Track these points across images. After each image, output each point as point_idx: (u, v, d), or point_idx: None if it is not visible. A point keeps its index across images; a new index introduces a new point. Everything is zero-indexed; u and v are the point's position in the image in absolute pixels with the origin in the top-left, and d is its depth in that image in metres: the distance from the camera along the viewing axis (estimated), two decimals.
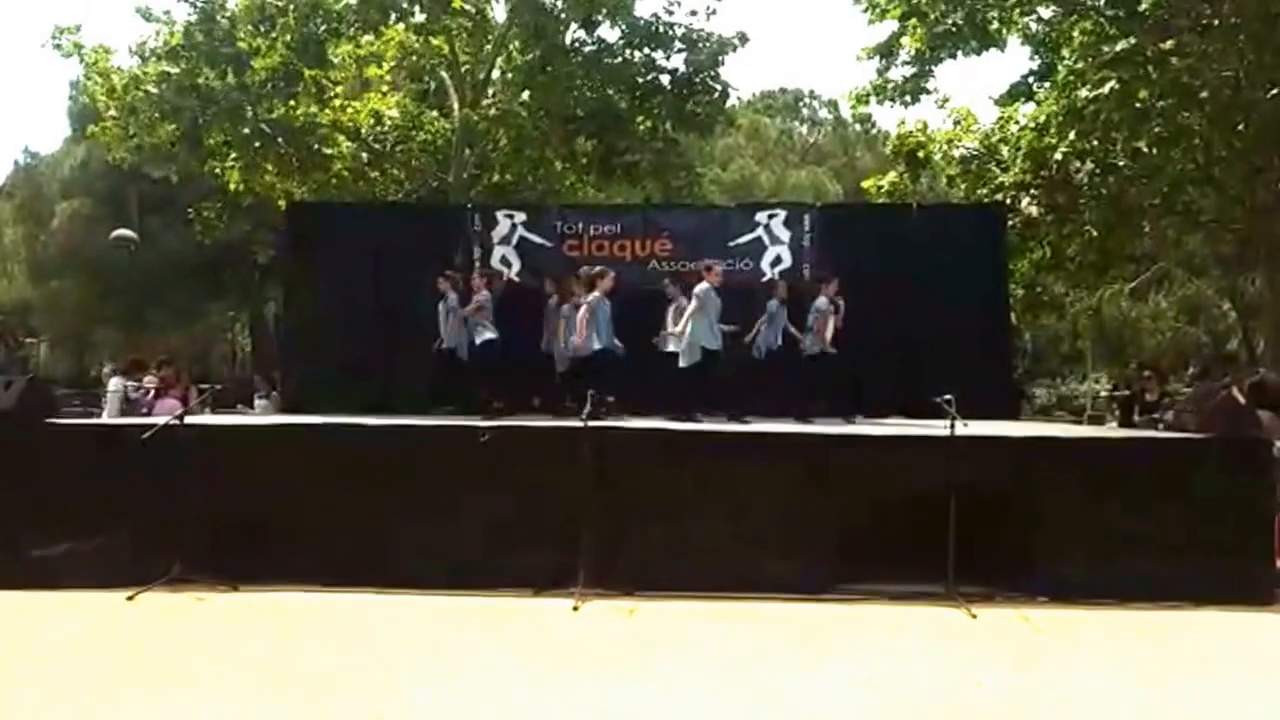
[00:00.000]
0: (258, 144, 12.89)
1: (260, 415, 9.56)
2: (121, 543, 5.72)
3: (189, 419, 6.11)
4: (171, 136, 12.81)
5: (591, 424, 5.83)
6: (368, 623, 5.04)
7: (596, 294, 7.41)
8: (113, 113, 12.75)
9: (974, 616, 5.16)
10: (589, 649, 4.64)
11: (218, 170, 13.69)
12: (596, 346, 7.36)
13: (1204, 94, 10.19)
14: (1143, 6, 9.14)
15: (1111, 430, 9.66)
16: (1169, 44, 9.71)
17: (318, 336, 9.02)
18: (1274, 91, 9.66)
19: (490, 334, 7.85)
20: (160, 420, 6.22)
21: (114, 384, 10.05)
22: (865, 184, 14.52)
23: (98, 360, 22.78)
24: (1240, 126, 10.46)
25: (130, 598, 5.38)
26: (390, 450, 5.91)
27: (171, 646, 4.62)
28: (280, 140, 13.01)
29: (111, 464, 5.91)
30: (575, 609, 5.23)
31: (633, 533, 5.58)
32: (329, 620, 5.08)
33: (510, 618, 5.14)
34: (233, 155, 13.30)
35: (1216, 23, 9.57)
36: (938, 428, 6.07)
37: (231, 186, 13.78)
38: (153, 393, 9.61)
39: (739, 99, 16.10)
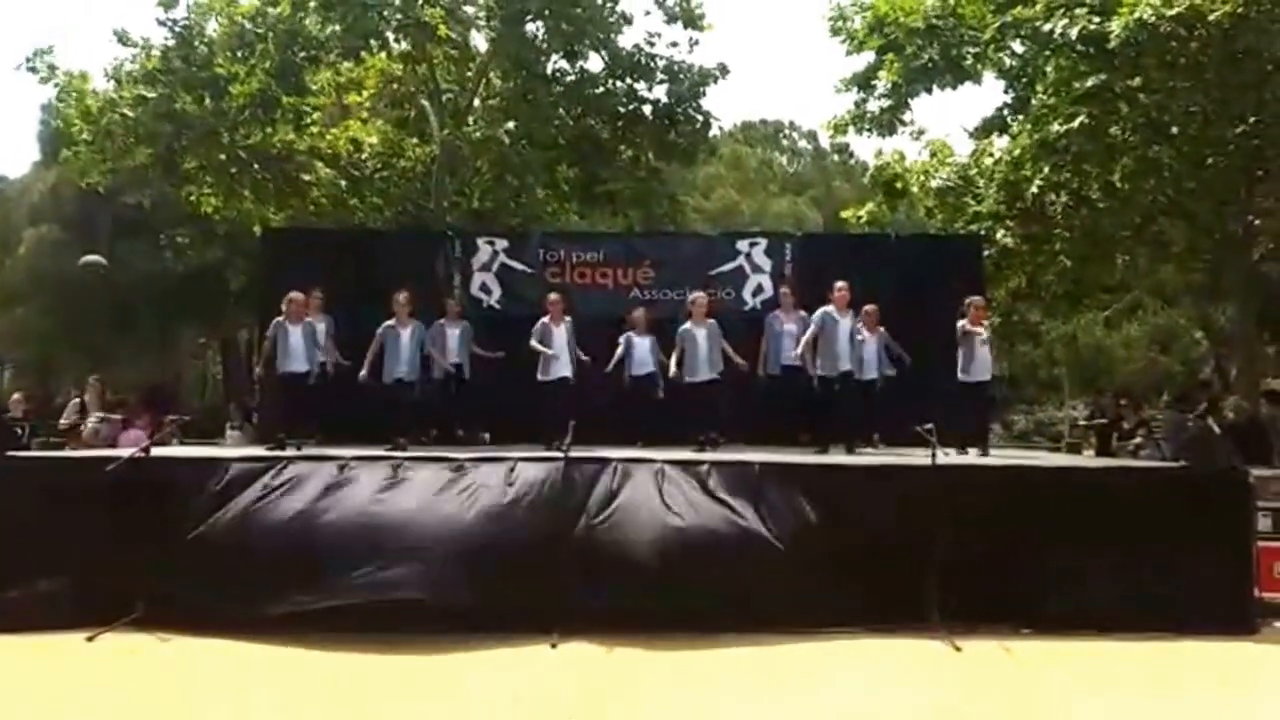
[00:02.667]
0: (234, 170, 12.81)
1: (232, 446, 9.33)
2: (81, 582, 5.53)
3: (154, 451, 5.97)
4: (147, 161, 12.68)
5: (572, 455, 5.77)
6: (347, 666, 4.90)
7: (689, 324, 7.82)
8: (85, 136, 12.60)
9: (958, 649, 5.12)
10: (568, 690, 4.53)
11: (193, 196, 13.56)
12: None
13: (1173, 129, 10.43)
14: (1112, 44, 9.34)
15: (1090, 459, 9.70)
16: (1138, 80, 9.95)
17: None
18: (1240, 127, 9.90)
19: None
20: (124, 452, 6.07)
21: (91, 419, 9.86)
22: (844, 214, 14.70)
23: (64, 389, 22.31)
24: (1209, 160, 10.70)
25: (90, 639, 5.20)
26: (362, 483, 5.76)
27: (132, 690, 4.46)
28: (257, 166, 12.93)
29: (72, 498, 5.74)
30: (553, 646, 5.12)
31: (613, 569, 5.46)
32: (301, 665, 4.92)
33: (488, 658, 5.02)
34: (209, 181, 13.19)
35: (1184, 60, 9.80)
36: (918, 456, 6.08)
37: (208, 212, 13.64)
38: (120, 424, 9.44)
39: (720, 128, 16.24)
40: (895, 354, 7.81)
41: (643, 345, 7.98)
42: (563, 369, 7.64)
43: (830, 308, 7.50)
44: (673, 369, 7.56)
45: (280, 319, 7.52)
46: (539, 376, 7.61)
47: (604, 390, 7.82)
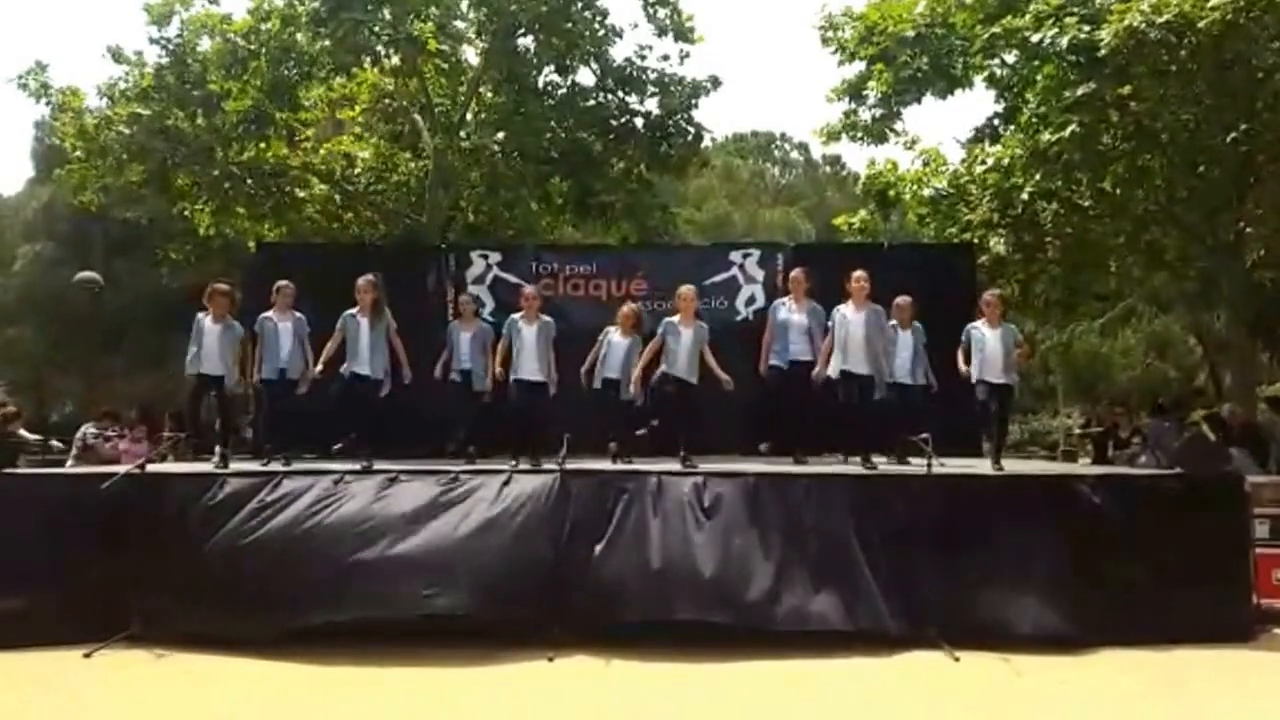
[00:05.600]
0: (228, 186, 12.83)
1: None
2: (77, 598, 5.49)
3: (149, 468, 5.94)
4: (140, 178, 12.71)
5: (567, 468, 5.75)
6: (343, 681, 4.84)
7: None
8: (79, 154, 12.63)
9: (957, 659, 5.09)
10: (567, 705, 4.49)
11: (187, 212, 13.58)
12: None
13: (1164, 137, 10.47)
14: (1102, 53, 9.39)
15: (1087, 467, 9.69)
16: (1128, 89, 9.99)
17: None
18: (1231, 134, 9.94)
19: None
20: (120, 469, 6.03)
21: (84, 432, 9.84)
22: (836, 220, 14.74)
23: (58, 406, 22.25)
24: (1200, 168, 10.74)
25: (87, 655, 5.16)
26: (354, 497, 5.72)
27: (133, 707, 4.41)
28: (250, 182, 12.96)
29: (68, 514, 5.70)
30: (551, 660, 5.08)
31: (609, 582, 5.42)
32: (296, 681, 4.87)
33: (485, 672, 4.98)
34: (203, 197, 13.21)
35: (1174, 68, 9.84)
36: (913, 466, 6.05)
37: (202, 230, 13.66)
38: (115, 440, 9.41)
39: (712, 139, 16.30)
40: (923, 367, 7.12)
41: (620, 346, 7.17)
42: (531, 372, 6.92)
43: (846, 305, 6.81)
44: (641, 363, 6.82)
45: (201, 315, 6.77)
46: (511, 376, 6.98)
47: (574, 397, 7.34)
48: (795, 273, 7.30)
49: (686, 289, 7.00)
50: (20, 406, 11.50)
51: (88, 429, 9.85)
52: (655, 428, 6.43)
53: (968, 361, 6.80)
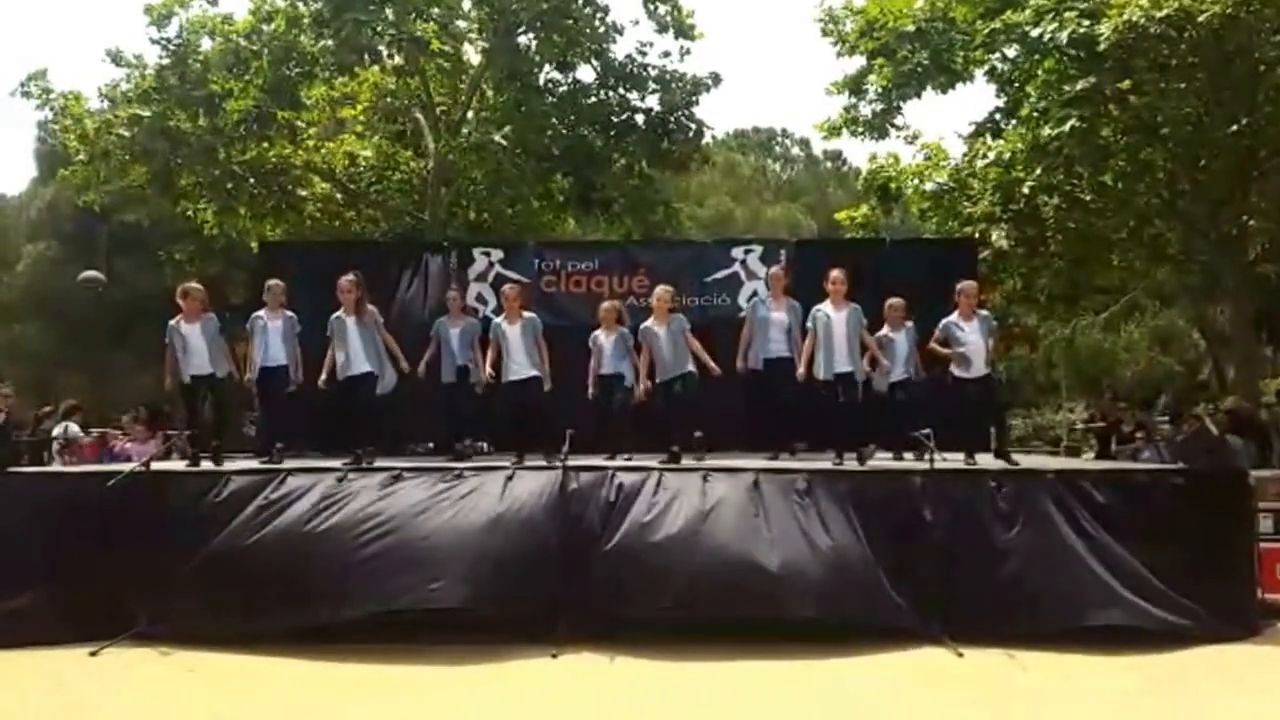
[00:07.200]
0: (230, 185, 12.86)
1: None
2: (81, 596, 5.53)
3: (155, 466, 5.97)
4: (143, 179, 12.74)
5: (569, 464, 5.77)
6: (347, 679, 4.87)
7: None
8: (81, 156, 12.67)
9: (960, 655, 5.10)
10: (569, 701, 4.51)
11: (190, 212, 13.61)
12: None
13: (1165, 131, 10.45)
14: (1102, 47, 9.39)
15: (1090, 462, 9.69)
16: (1128, 83, 9.97)
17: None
18: (1233, 128, 9.92)
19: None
20: (124, 467, 6.07)
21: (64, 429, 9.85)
22: (839, 215, 14.74)
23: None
24: (1202, 162, 10.72)
25: (94, 653, 5.19)
26: (358, 494, 5.74)
27: (143, 704, 4.44)
28: (253, 181, 12.99)
29: (72, 513, 5.74)
30: (554, 657, 5.10)
31: (612, 578, 5.44)
32: (301, 679, 4.90)
33: (490, 669, 5.00)
34: (205, 197, 13.24)
35: (1174, 62, 9.83)
36: (914, 462, 6.06)
37: (205, 229, 13.69)
38: (124, 439, 9.45)
39: (713, 136, 16.30)
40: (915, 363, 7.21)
41: (608, 342, 7.29)
42: (521, 370, 6.94)
43: (825, 304, 6.83)
44: (643, 381, 6.91)
45: (173, 321, 6.77)
46: (502, 379, 7.02)
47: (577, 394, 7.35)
48: (774, 270, 7.52)
49: (660, 289, 7.06)
50: (54, 404, 11.55)
51: (69, 425, 9.86)
52: (675, 452, 6.42)
53: (946, 346, 6.77)
